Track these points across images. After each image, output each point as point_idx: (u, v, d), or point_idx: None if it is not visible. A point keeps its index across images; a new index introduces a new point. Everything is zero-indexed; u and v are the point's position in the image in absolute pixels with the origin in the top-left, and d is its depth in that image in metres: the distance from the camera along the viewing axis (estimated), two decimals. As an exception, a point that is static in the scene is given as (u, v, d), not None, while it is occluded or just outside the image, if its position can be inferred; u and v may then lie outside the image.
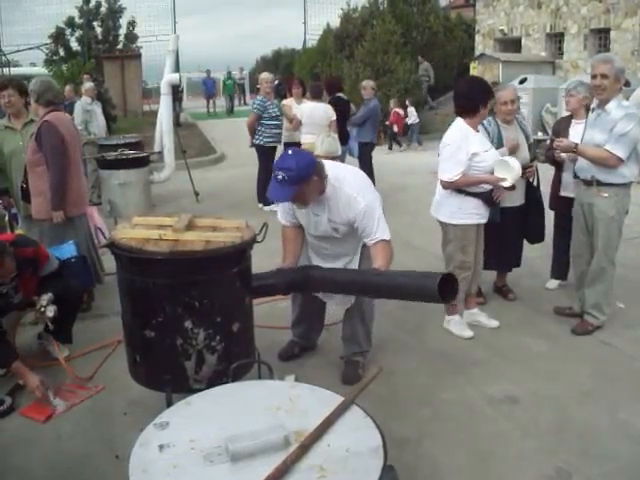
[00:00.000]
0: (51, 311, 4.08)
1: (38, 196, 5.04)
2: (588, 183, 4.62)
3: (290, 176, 3.38)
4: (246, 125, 9.08)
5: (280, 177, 3.40)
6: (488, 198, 4.61)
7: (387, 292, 3.43)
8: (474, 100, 4.52)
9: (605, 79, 4.36)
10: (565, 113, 6.09)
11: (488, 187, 4.59)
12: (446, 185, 4.54)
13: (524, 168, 4.89)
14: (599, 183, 4.53)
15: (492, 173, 4.54)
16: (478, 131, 4.65)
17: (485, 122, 4.92)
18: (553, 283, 5.72)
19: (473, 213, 4.61)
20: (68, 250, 4.87)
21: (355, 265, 3.99)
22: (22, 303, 4.27)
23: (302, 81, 10.04)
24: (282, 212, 4.01)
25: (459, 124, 4.56)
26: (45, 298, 4.10)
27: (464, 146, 4.44)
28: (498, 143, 4.91)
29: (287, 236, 4.01)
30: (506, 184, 4.51)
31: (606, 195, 4.52)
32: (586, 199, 4.67)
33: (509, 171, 4.49)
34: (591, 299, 4.75)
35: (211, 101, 28.68)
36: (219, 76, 29.97)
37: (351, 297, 4.00)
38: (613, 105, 4.40)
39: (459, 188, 4.54)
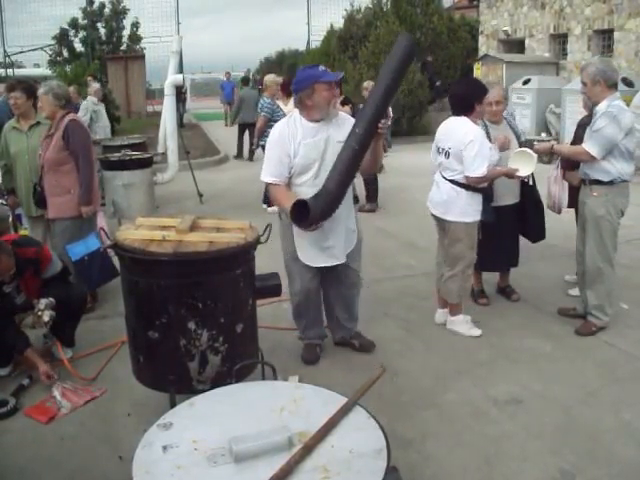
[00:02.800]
0: (47, 316, 4.08)
1: (64, 194, 5.10)
2: (583, 182, 4.71)
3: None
4: (256, 129, 8.90)
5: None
6: (487, 192, 4.72)
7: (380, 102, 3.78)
8: (469, 99, 4.61)
9: (585, 86, 4.52)
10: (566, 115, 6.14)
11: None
12: (477, 181, 4.55)
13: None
14: (591, 182, 4.60)
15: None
16: None
17: None
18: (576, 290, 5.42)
19: (478, 210, 4.68)
20: (93, 242, 5.04)
21: (353, 221, 4.26)
22: (24, 304, 4.27)
23: (283, 82, 9.99)
24: (274, 166, 4.00)
25: (468, 121, 4.60)
26: (43, 302, 4.10)
27: (485, 141, 4.57)
28: None
29: (281, 189, 4.03)
30: (521, 174, 4.74)
31: (595, 194, 4.57)
32: (582, 197, 4.76)
33: (528, 161, 4.72)
34: (593, 300, 4.75)
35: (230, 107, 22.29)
36: (221, 77, 26.86)
37: (353, 239, 4.24)
38: (602, 106, 4.47)
39: (470, 185, 4.60)
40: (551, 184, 5.38)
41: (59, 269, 4.38)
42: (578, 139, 5.04)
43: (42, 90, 5.16)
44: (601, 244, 4.62)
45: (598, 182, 4.54)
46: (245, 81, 17.72)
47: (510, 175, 4.72)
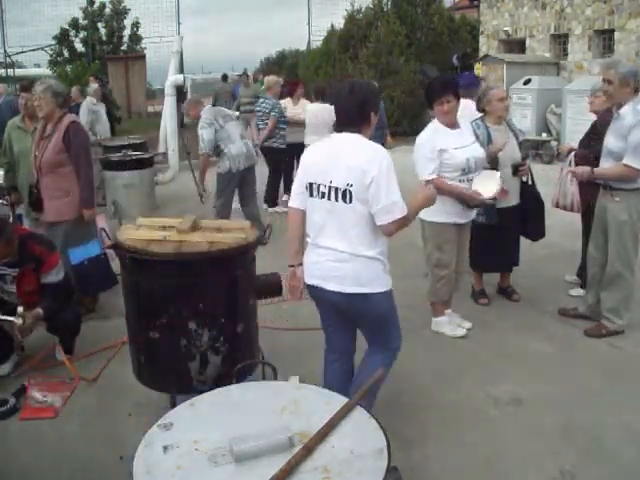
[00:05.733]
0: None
1: (63, 197, 4.99)
2: (603, 187, 4.63)
3: None
4: (267, 129, 8.80)
5: None
6: (464, 199, 4.54)
7: None
8: (426, 97, 4.60)
9: (610, 85, 4.38)
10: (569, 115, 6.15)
11: (463, 185, 4.52)
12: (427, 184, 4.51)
13: (516, 167, 5.03)
14: (612, 187, 4.53)
15: (464, 172, 4.50)
16: (458, 127, 4.58)
17: (474, 124, 4.93)
18: (577, 291, 5.57)
19: (449, 212, 4.55)
20: (93, 248, 4.99)
21: None
22: (9, 299, 4.25)
23: (295, 83, 9.95)
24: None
25: (431, 123, 4.61)
26: (20, 310, 4.02)
27: (430, 143, 4.46)
28: (487, 146, 4.92)
29: None
30: (484, 198, 4.49)
31: (617, 199, 4.50)
32: (602, 202, 4.67)
33: (491, 180, 4.54)
34: (607, 303, 4.71)
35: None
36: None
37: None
38: (627, 109, 4.35)
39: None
40: (567, 184, 5.26)
41: (57, 280, 4.30)
42: (596, 138, 5.00)
43: (40, 88, 4.93)
44: (622, 249, 4.56)
45: (622, 189, 4.47)
46: (224, 78, 19.26)
47: (472, 199, 4.48)
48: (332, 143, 3.15)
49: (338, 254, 3.06)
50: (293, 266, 3.28)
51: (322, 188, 3.07)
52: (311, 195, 3.13)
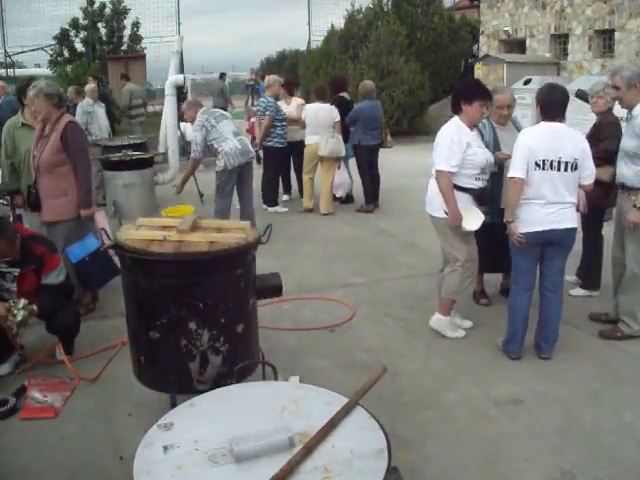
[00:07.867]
0: (20, 315, 4.01)
1: (62, 196, 4.97)
2: (621, 187, 4.65)
3: None
4: (263, 127, 8.77)
5: None
6: (478, 195, 4.62)
7: None
8: (455, 97, 4.67)
9: (618, 90, 4.48)
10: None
11: (480, 184, 4.62)
12: (438, 176, 4.52)
13: None
14: (629, 188, 4.53)
15: (483, 171, 4.63)
16: (472, 131, 4.66)
17: (480, 125, 4.92)
18: (577, 291, 5.60)
19: (462, 208, 4.55)
20: (91, 243, 4.97)
21: None
22: (7, 296, 4.22)
23: (287, 81, 9.91)
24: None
25: (453, 120, 4.65)
26: (22, 302, 4.03)
27: (458, 137, 4.50)
28: (494, 146, 4.95)
29: None
30: (465, 226, 4.54)
31: (634, 199, 4.49)
32: (620, 203, 4.70)
33: (476, 218, 4.57)
34: (625, 306, 4.68)
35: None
36: (244, 75, 28.76)
37: None
38: (639, 109, 4.43)
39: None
40: None
41: (57, 282, 4.30)
42: (601, 139, 5.07)
43: (32, 92, 4.87)
44: (639, 250, 4.54)
45: (636, 188, 4.47)
46: (221, 76, 22.12)
47: (455, 219, 4.53)
48: (550, 130, 4.22)
49: (567, 205, 4.23)
50: (512, 222, 4.29)
51: (554, 163, 4.15)
52: (543, 169, 4.15)
